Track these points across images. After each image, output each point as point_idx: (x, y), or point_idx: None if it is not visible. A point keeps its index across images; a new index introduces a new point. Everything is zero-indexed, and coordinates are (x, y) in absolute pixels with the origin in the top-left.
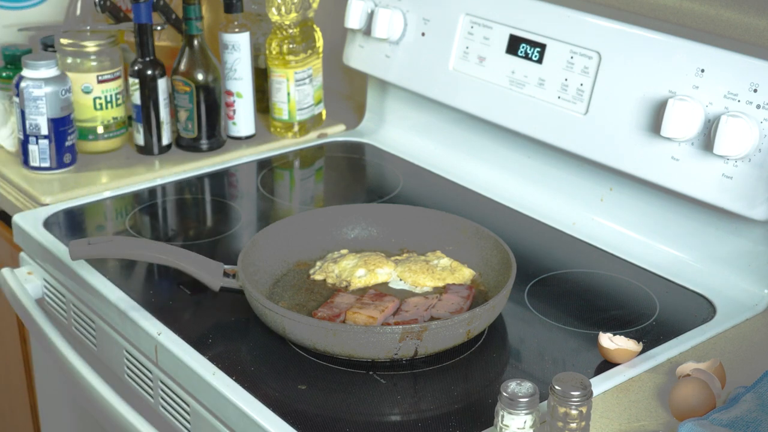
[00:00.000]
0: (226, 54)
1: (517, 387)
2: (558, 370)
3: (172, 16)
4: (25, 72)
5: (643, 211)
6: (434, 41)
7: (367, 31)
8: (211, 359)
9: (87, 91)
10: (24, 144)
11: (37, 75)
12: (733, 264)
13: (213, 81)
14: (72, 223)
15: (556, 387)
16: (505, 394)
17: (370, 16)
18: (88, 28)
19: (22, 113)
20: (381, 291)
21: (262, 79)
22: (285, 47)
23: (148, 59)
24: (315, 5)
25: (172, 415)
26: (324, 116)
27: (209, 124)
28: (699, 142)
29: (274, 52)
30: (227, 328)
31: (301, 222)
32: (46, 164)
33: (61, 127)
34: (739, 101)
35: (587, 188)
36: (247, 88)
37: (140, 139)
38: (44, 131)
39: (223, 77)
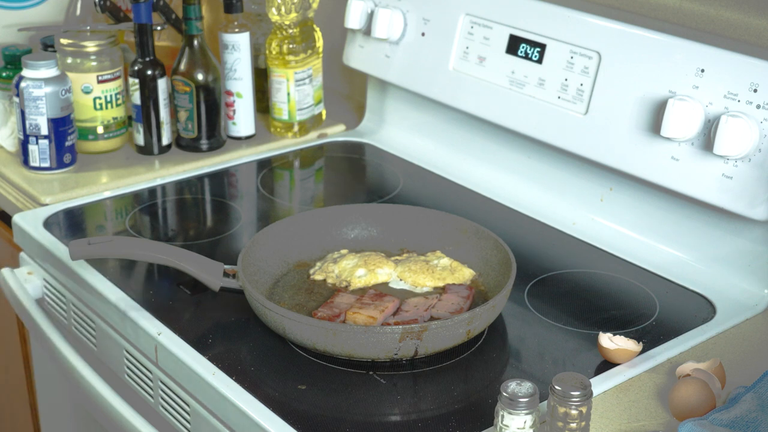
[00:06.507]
0: (226, 54)
1: (517, 387)
2: (558, 370)
3: (172, 16)
4: (25, 72)
5: (643, 211)
6: (434, 41)
7: (367, 31)
8: (211, 359)
9: (87, 91)
10: (24, 144)
11: (37, 75)
12: (733, 264)
13: (213, 81)
14: (72, 223)
15: (556, 387)
16: (505, 394)
17: (370, 16)
18: (88, 28)
19: (22, 113)
20: (381, 291)
21: (262, 79)
22: (285, 47)
23: (148, 59)
24: (315, 5)
25: (172, 415)
26: (324, 116)
27: (209, 124)
28: (699, 142)
29: (274, 52)
30: (227, 328)
31: (301, 222)
32: (46, 164)
33: (61, 127)
34: (739, 101)
35: (587, 188)
36: (247, 88)
37: (140, 139)
38: (44, 131)
39: (223, 77)
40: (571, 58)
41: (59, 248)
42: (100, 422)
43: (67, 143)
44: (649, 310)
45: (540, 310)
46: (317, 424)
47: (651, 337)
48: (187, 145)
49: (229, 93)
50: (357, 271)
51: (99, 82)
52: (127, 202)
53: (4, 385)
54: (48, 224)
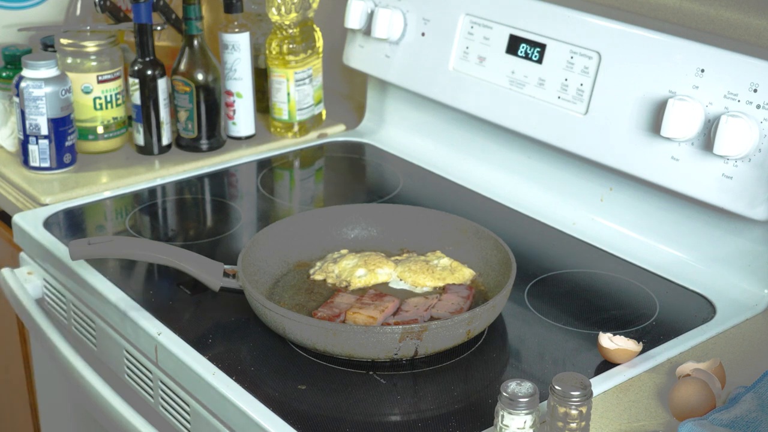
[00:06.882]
0: (226, 54)
1: (517, 387)
2: (558, 370)
3: (172, 16)
4: (25, 72)
5: (643, 211)
6: (434, 41)
7: (367, 31)
8: (211, 359)
9: (87, 91)
10: (24, 144)
11: (37, 75)
12: (733, 264)
13: (213, 81)
14: (72, 223)
15: (556, 387)
16: (505, 394)
17: (370, 16)
18: (88, 28)
19: (22, 113)
20: (381, 291)
21: (262, 79)
22: (285, 47)
23: (148, 59)
24: (315, 5)
25: (172, 415)
26: (324, 116)
27: (209, 124)
28: (699, 142)
29: (274, 52)
30: (227, 328)
31: (301, 222)
32: (46, 164)
33: (61, 127)
34: (739, 101)
35: (587, 188)
36: (247, 88)
37: (140, 139)
38: (44, 131)
39: (223, 77)
40: (571, 58)
41: (59, 248)
42: (100, 422)
43: (67, 143)
44: (649, 310)
45: (540, 310)
46: (317, 424)
47: (651, 337)
48: (187, 145)
49: (229, 93)
50: (357, 271)
51: (99, 82)
52: (127, 202)
53: (4, 385)
54: (48, 224)
